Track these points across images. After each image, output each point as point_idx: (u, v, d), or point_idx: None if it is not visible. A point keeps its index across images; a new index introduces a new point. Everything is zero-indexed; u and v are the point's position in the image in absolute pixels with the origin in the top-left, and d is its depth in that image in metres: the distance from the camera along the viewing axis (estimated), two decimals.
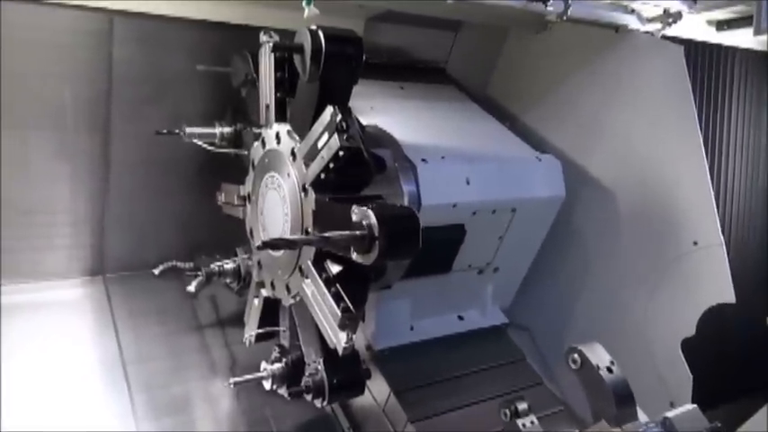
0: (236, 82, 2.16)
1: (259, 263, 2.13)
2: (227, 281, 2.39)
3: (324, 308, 1.70)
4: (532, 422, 1.53)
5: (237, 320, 2.31)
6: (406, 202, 1.82)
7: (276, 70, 1.89)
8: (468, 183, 1.97)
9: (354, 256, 1.50)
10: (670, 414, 1.32)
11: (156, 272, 2.66)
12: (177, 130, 2.19)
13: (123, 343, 2.34)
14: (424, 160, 1.90)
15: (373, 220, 1.47)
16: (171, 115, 2.41)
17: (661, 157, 2.12)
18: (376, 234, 1.47)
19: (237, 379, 1.94)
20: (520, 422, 1.51)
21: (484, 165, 2.04)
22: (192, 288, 2.60)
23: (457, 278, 2.18)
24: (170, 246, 2.68)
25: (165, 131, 2.18)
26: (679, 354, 2.06)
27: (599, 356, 1.38)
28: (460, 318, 2.28)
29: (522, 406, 1.54)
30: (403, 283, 1.87)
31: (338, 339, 1.68)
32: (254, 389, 2.11)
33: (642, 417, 1.36)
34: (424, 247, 1.85)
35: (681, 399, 1.91)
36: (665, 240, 2.12)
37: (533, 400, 1.56)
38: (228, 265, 2.34)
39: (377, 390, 2.04)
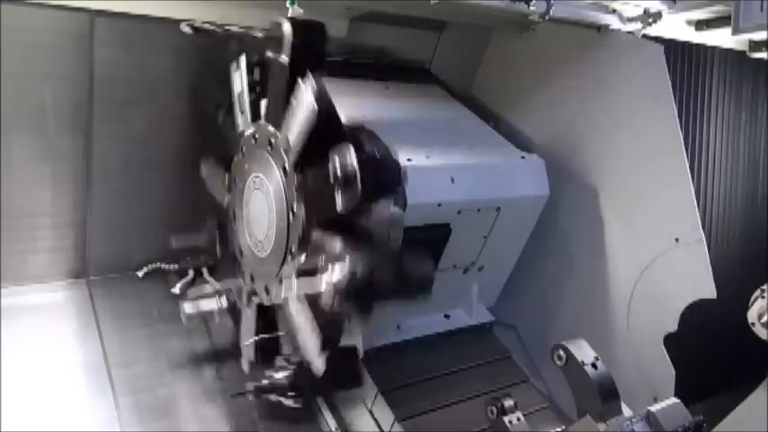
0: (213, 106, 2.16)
1: (251, 276, 2.09)
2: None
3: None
4: (519, 419, 1.54)
5: (223, 322, 2.30)
6: (391, 202, 1.82)
7: (248, 74, 1.90)
8: (452, 182, 1.98)
9: (339, 200, 1.50)
10: (653, 408, 1.34)
11: (140, 274, 2.65)
12: None
13: (108, 346, 2.31)
14: (409, 160, 1.90)
15: (353, 154, 1.50)
16: (154, 117, 2.40)
17: (642, 155, 2.14)
18: (356, 172, 1.50)
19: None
20: (506, 419, 1.52)
21: (468, 164, 2.05)
22: (176, 290, 2.61)
23: (442, 277, 2.19)
24: (154, 248, 2.67)
25: None
26: (662, 349, 2.08)
27: (584, 353, 1.40)
28: (446, 316, 2.29)
29: (509, 403, 1.55)
30: None
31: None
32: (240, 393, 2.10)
33: (626, 411, 1.38)
34: (410, 246, 1.89)
35: (664, 394, 1.94)
36: (647, 237, 2.14)
37: (519, 398, 1.57)
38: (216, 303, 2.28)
39: (364, 389, 2.04)
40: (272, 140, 1.83)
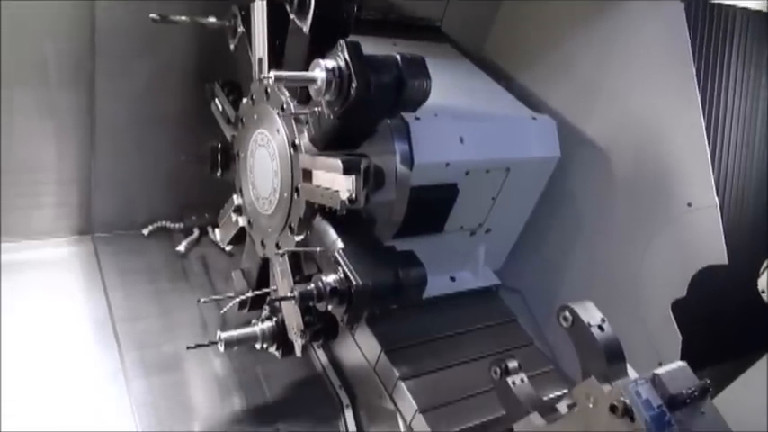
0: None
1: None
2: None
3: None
4: (522, 380, 1.54)
5: (228, 280, 2.31)
6: (398, 161, 1.80)
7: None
8: (461, 141, 1.95)
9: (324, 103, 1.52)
10: (659, 370, 1.33)
11: (146, 232, 2.67)
12: None
13: (113, 302, 2.34)
14: (416, 118, 1.87)
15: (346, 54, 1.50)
16: (159, 70, 2.37)
17: (657, 117, 2.10)
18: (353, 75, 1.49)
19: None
20: (510, 380, 1.52)
21: (478, 123, 2.02)
22: (181, 248, 2.62)
23: (449, 239, 2.17)
24: (159, 206, 2.68)
25: None
26: (669, 314, 2.07)
27: (590, 314, 1.38)
28: (452, 279, 2.28)
29: (513, 364, 1.55)
30: (395, 243, 1.85)
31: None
32: (244, 349, 2.12)
33: (632, 374, 1.37)
34: (416, 207, 1.88)
35: (670, 359, 1.93)
36: (659, 202, 2.11)
37: (524, 360, 1.57)
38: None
39: (367, 349, 2.05)
40: (285, 107, 1.81)
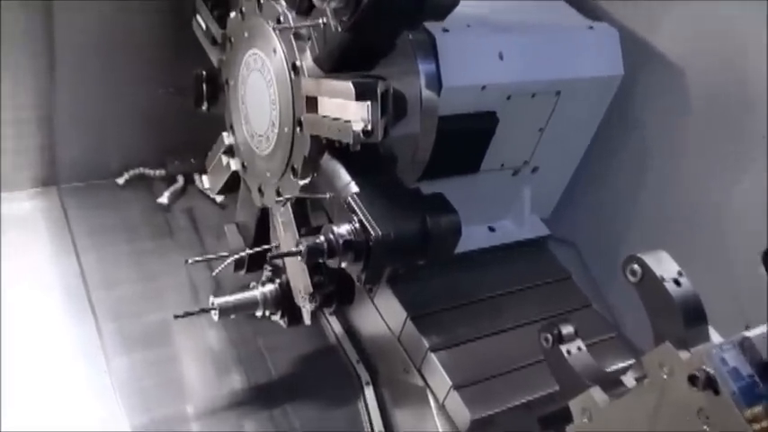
0: None
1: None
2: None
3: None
4: (579, 348, 1.52)
5: (220, 236, 2.32)
6: (423, 84, 1.75)
7: None
8: (501, 58, 1.90)
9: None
10: (749, 333, 1.29)
11: (120, 181, 2.67)
12: None
13: (85, 265, 2.36)
14: (445, 30, 1.81)
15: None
16: None
17: (744, 27, 2.02)
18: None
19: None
20: (564, 348, 1.50)
21: (521, 35, 1.96)
22: (163, 199, 2.63)
23: (487, 180, 2.15)
24: (136, 149, 2.68)
25: None
26: (758, 269, 2.03)
27: (664, 266, 1.34)
28: (491, 229, 2.27)
29: (567, 330, 1.52)
30: (421, 185, 1.83)
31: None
32: (242, 317, 2.14)
33: (715, 338, 1.34)
34: (446, 141, 1.84)
35: (760, 320, 1.90)
36: (745, 132, 2.05)
37: (580, 325, 1.55)
38: None
39: (390, 315, 2.05)
40: (282, 20, 1.77)
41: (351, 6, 1.50)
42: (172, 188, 2.68)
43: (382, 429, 2.11)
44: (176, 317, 1.94)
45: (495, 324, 2.04)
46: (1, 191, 2.52)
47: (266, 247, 2.04)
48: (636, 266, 1.35)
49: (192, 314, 1.95)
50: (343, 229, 1.57)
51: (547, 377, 1.52)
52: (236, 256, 2.08)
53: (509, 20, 2.02)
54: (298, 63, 1.74)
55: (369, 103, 1.51)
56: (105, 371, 2.09)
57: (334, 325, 2.33)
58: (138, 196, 2.65)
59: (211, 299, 1.97)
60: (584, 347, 1.51)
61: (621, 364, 1.95)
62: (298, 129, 1.78)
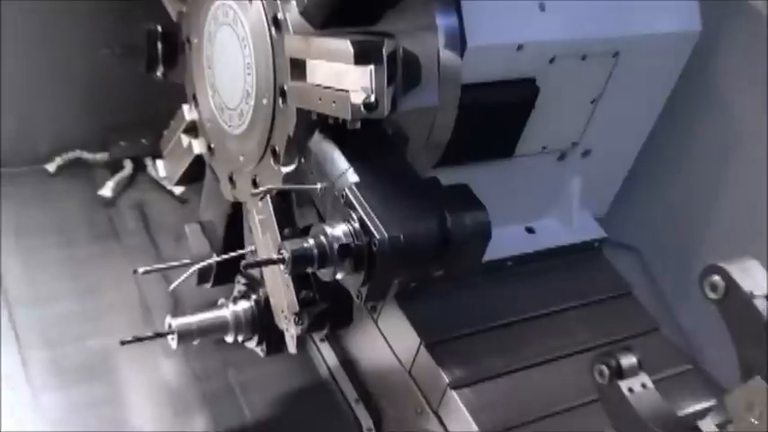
0: None
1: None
2: None
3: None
4: (644, 385, 1.51)
5: (180, 238, 2.33)
6: (441, 43, 1.74)
7: None
8: (542, 9, 1.90)
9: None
10: None
11: (51, 168, 2.68)
12: None
13: (6, 275, 2.38)
14: None
15: None
16: None
17: None
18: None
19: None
20: (624, 384, 1.50)
21: None
22: (107, 191, 2.63)
23: (524, 167, 2.16)
24: (71, 126, 2.69)
25: None
26: None
27: (753, 279, 1.33)
28: (530, 231, 2.29)
29: (629, 361, 1.52)
30: (440, 174, 1.83)
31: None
32: (208, 343, 2.16)
33: None
34: (472, 117, 1.84)
35: None
36: None
37: (645, 354, 1.54)
38: None
39: (399, 341, 2.06)
40: None
41: None
42: (117, 177, 2.69)
43: None
44: (123, 343, 1.93)
45: (534, 354, 2.05)
46: None
47: (239, 252, 2.04)
48: (717, 279, 1.35)
49: (143, 339, 1.95)
50: (339, 229, 1.56)
51: (601, 423, 1.52)
52: (201, 265, 2.08)
53: None
54: (280, 16, 1.73)
55: (372, 67, 1.50)
56: (32, 411, 2.09)
57: (326, 354, 2.33)
58: (73, 187, 2.65)
59: (168, 320, 1.97)
60: (650, 384, 1.51)
61: (699, 406, 1.95)
62: (280, 100, 1.77)
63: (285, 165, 1.82)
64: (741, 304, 1.33)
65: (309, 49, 1.66)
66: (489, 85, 1.89)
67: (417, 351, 2.00)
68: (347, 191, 1.60)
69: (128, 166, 2.73)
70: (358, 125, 1.56)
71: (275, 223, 1.88)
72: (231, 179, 2.04)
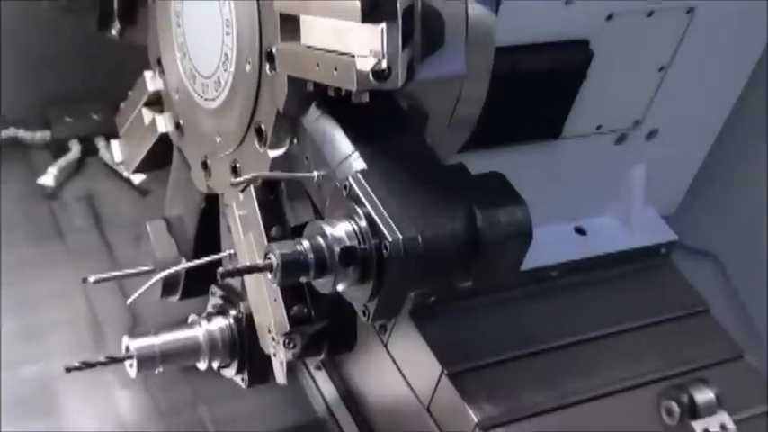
0: None
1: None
2: None
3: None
4: (723, 426, 1.54)
5: (140, 238, 2.32)
6: None
7: None
8: None
9: None
10: None
11: None
12: None
13: None
14: None
15: None
16: None
17: None
18: None
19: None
20: (699, 426, 1.52)
21: None
22: (48, 179, 2.64)
23: (573, 152, 2.17)
24: (3, 101, 2.72)
25: None
26: None
27: None
28: (580, 231, 2.31)
29: (705, 396, 1.55)
30: (468, 161, 1.84)
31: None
32: (176, 371, 2.20)
33: None
34: (508, 89, 1.85)
35: None
36: None
37: (726, 387, 1.56)
38: None
39: (415, 370, 2.08)
40: None
41: None
42: (61, 161, 2.69)
43: None
44: (69, 370, 1.94)
45: (585, 387, 2.05)
46: None
47: (214, 257, 2.04)
48: None
49: (93, 366, 1.95)
50: (341, 229, 1.56)
51: None
52: (166, 273, 2.09)
53: None
54: None
55: (383, 25, 1.49)
56: None
57: (323, 385, 2.35)
58: (7, 174, 2.66)
59: (126, 341, 1.98)
60: (731, 425, 1.53)
61: None
62: (267, 67, 1.77)
63: (273, 147, 1.82)
64: None
65: (304, 1, 1.68)
66: (530, 48, 1.90)
67: (438, 382, 2.01)
68: (351, 180, 1.60)
69: (74, 149, 2.74)
70: (365, 98, 1.56)
71: (260, 221, 1.89)
72: (205, 165, 2.05)
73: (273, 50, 1.74)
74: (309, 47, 1.65)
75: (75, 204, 2.65)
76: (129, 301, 2.05)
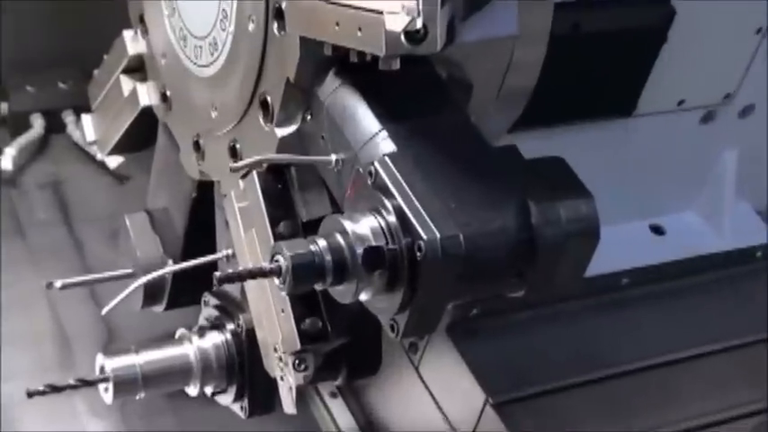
0: None
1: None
2: None
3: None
4: None
5: (116, 235, 2.34)
6: None
7: None
8: None
9: None
10: None
11: None
12: None
13: None
14: None
15: None
16: None
17: None
18: None
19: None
20: None
21: None
22: (6, 162, 2.66)
23: (650, 132, 2.18)
24: None
25: None
26: None
27: None
28: (657, 231, 2.32)
29: None
30: (521, 142, 1.84)
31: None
32: (160, 397, 2.22)
33: None
34: (570, 56, 1.87)
35: None
36: None
37: None
38: None
39: (453, 398, 2.09)
40: None
41: None
42: (21, 140, 2.71)
43: None
44: (31, 395, 1.95)
45: (659, 420, 2.07)
46: None
47: (208, 258, 2.07)
48: None
49: (61, 390, 1.96)
50: (365, 225, 1.57)
51: None
52: (149, 278, 2.10)
53: None
54: None
55: None
56: None
57: (338, 415, 2.36)
58: None
59: (100, 360, 1.99)
60: None
61: None
62: (274, 26, 1.78)
63: (281, 125, 1.83)
64: None
65: None
66: (598, 3, 1.91)
67: (481, 413, 2.01)
68: (378, 165, 1.60)
69: (37, 125, 2.75)
70: (396, 65, 1.57)
71: (266, 215, 1.90)
72: (197, 146, 2.06)
73: (283, 5, 1.74)
74: (328, 1, 1.65)
75: (37, 192, 2.66)
76: (103, 311, 2.06)
